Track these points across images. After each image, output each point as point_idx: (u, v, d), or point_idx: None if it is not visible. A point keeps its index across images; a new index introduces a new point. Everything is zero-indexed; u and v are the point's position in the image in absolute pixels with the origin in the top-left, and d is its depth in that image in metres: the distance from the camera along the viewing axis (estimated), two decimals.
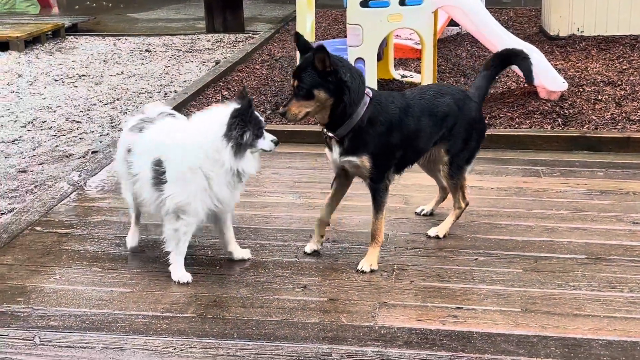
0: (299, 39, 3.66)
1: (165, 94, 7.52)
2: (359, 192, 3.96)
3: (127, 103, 7.27)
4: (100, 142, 6.07)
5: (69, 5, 14.38)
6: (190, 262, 3.78)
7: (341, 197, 3.90)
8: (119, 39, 10.63)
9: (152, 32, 11.21)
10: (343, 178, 3.83)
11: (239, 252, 3.79)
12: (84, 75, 8.52)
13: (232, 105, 3.50)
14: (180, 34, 10.87)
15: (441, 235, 3.97)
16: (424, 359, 2.92)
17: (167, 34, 10.91)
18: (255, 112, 3.52)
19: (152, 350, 3.02)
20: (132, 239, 3.90)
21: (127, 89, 7.84)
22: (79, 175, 5.04)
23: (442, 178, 4.03)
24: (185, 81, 7.96)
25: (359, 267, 3.65)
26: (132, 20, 12.60)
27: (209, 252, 3.88)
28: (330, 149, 3.69)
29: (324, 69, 3.41)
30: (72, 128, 6.57)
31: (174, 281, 3.59)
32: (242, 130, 3.43)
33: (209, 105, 6.44)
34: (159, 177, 3.51)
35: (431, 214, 4.29)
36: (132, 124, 3.73)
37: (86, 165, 5.29)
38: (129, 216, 3.96)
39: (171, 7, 13.81)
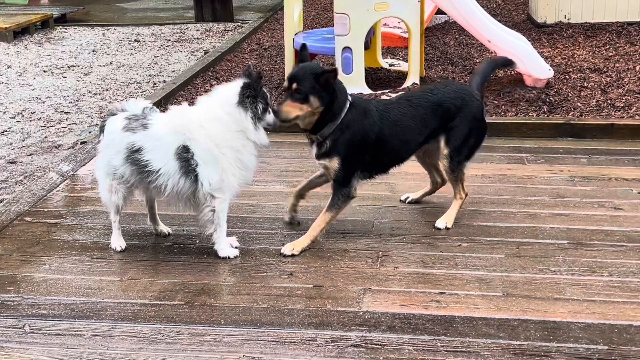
0: (303, 49, 3.90)
1: (154, 84, 7.53)
2: None
3: (116, 93, 7.29)
4: (90, 132, 6.09)
5: None
6: (179, 250, 3.84)
7: (324, 182, 4.03)
8: (107, 29, 10.61)
9: (141, 22, 11.18)
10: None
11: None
12: (73, 66, 8.52)
13: (240, 81, 3.61)
14: (169, 24, 10.85)
15: (449, 226, 4.01)
16: (407, 342, 2.98)
17: (156, 24, 10.88)
18: (264, 87, 3.65)
19: (140, 337, 3.06)
20: (120, 241, 3.85)
21: (116, 79, 7.85)
22: (68, 166, 5.07)
23: (443, 172, 4.10)
24: (174, 71, 7.97)
25: (282, 250, 3.75)
26: (121, 10, 12.57)
27: (197, 241, 3.91)
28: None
29: (326, 82, 3.61)
30: (62, 119, 6.59)
31: (222, 258, 3.69)
32: (254, 101, 3.56)
33: (198, 95, 6.48)
34: (188, 163, 3.54)
35: (416, 202, 4.34)
36: (123, 124, 3.60)
37: (75, 155, 5.31)
38: (112, 220, 3.84)
39: None
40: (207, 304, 3.30)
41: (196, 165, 3.55)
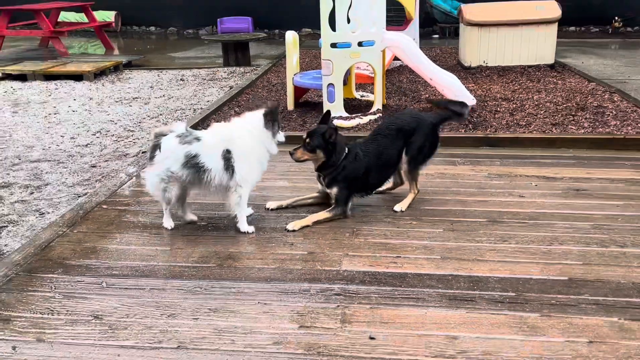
0: (327, 115, 3.95)
1: (194, 110, 7.48)
2: None
3: (167, 117, 7.24)
4: (149, 145, 6.03)
5: (126, 47, 14.23)
6: (212, 228, 3.81)
7: (314, 202, 4.09)
8: (161, 71, 10.52)
9: (185, 66, 11.09)
10: (323, 194, 4.04)
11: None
12: (137, 98, 8.45)
13: (262, 110, 3.70)
14: (205, 68, 10.76)
15: (404, 209, 3.98)
16: (374, 292, 2.99)
17: (195, 68, 10.79)
18: (278, 115, 3.76)
19: (185, 290, 3.05)
20: (170, 222, 3.82)
21: (167, 106, 7.79)
22: (133, 168, 5.03)
23: (403, 174, 4.11)
24: (209, 101, 7.91)
25: (287, 226, 3.75)
26: (171, 58, 12.45)
27: (225, 222, 3.89)
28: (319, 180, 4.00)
29: (329, 138, 3.72)
30: (128, 135, 6.54)
31: (243, 232, 3.69)
32: (273, 124, 3.68)
33: (225, 117, 6.46)
34: (229, 161, 3.57)
35: (381, 193, 4.32)
36: (177, 140, 3.55)
37: (138, 161, 5.27)
38: (163, 209, 3.82)
39: (198, 48, 13.65)
40: (233, 266, 3.29)
41: (234, 162, 3.57)
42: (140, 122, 7.06)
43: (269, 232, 3.72)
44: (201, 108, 7.46)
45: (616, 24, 14.22)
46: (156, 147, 3.63)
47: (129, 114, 7.49)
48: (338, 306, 2.87)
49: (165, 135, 3.62)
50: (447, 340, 2.59)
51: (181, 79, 9.74)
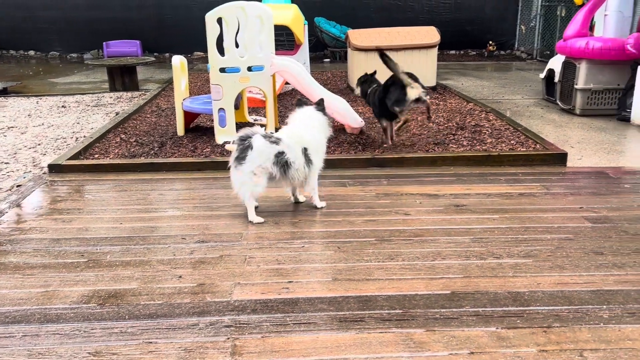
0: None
1: (77, 138, 7.05)
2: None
3: (47, 147, 6.77)
4: (24, 177, 5.61)
5: (1, 73, 13.24)
6: (92, 265, 3.58)
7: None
8: (40, 98, 9.88)
9: (67, 92, 10.48)
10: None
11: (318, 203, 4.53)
12: (12, 127, 7.84)
13: (310, 106, 4.49)
14: (90, 93, 10.25)
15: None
16: (265, 320, 2.94)
17: (79, 93, 10.24)
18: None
19: (62, 334, 2.83)
20: (258, 218, 4.23)
21: (47, 135, 7.30)
22: (5, 204, 4.64)
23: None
24: (92, 128, 7.50)
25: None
26: (52, 84, 11.74)
27: (108, 257, 3.68)
28: None
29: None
30: (2, 168, 6.03)
31: (319, 207, 4.53)
32: (325, 111, 4.46)
33: (110, 146, 6.17)
34: (307, 157, 4.26)
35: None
36: (266, 140, 4.08)
37: (11, 196, 4.88)
38: (248, 205, 4.22)
39: (83, 73, 13.01)
40: (115, 305, 3.10)
41: (310, 156, 4.25)
42: (15, 154, 6.55)
43: (155, 266, 3.55)
44: (84, 136, 7.07)
45: (490, 48, 15.41)
46: (248, 147, 4.03)
47: (3, 145, 6.92)
48: (228, 338, 2.78)
49: (250, 137, 4.07)
50: None
51: (63, 106, 9.20)
